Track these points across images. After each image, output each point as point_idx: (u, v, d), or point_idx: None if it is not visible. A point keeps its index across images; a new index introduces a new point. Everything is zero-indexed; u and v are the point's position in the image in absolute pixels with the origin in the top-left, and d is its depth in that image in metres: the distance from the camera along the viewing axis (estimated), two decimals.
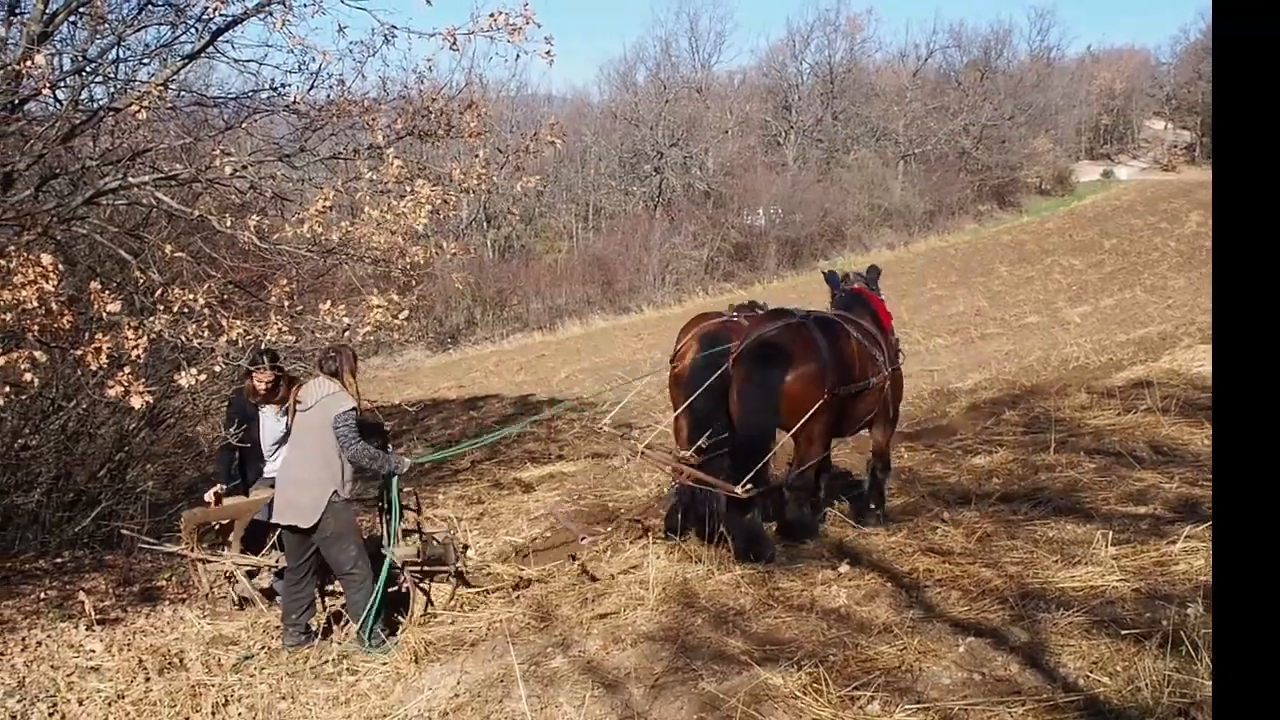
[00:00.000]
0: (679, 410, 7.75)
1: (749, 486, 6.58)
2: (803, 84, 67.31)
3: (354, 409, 6.23)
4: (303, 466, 6.25)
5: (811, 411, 6.78)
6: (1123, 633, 4.64)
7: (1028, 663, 4.54)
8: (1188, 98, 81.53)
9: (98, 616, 6.74)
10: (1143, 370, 13.59)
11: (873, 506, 7.80)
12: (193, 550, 7.09)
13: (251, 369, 7.29)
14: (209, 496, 7.16)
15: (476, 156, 8.21)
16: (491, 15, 7.62)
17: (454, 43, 7.77)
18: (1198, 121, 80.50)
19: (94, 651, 6.20)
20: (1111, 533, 6.05)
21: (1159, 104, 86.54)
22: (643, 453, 7.84)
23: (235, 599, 7.22)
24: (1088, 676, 4.30)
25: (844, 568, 6.46)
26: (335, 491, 6.18)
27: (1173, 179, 69.80)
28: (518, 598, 7.11)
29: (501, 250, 54.37)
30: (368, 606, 6.18)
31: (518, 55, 7.88)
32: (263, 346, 7.04)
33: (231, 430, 7.39)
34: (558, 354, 32.85)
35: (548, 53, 7.96)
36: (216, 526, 7.45)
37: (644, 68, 66.59)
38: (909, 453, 10.41)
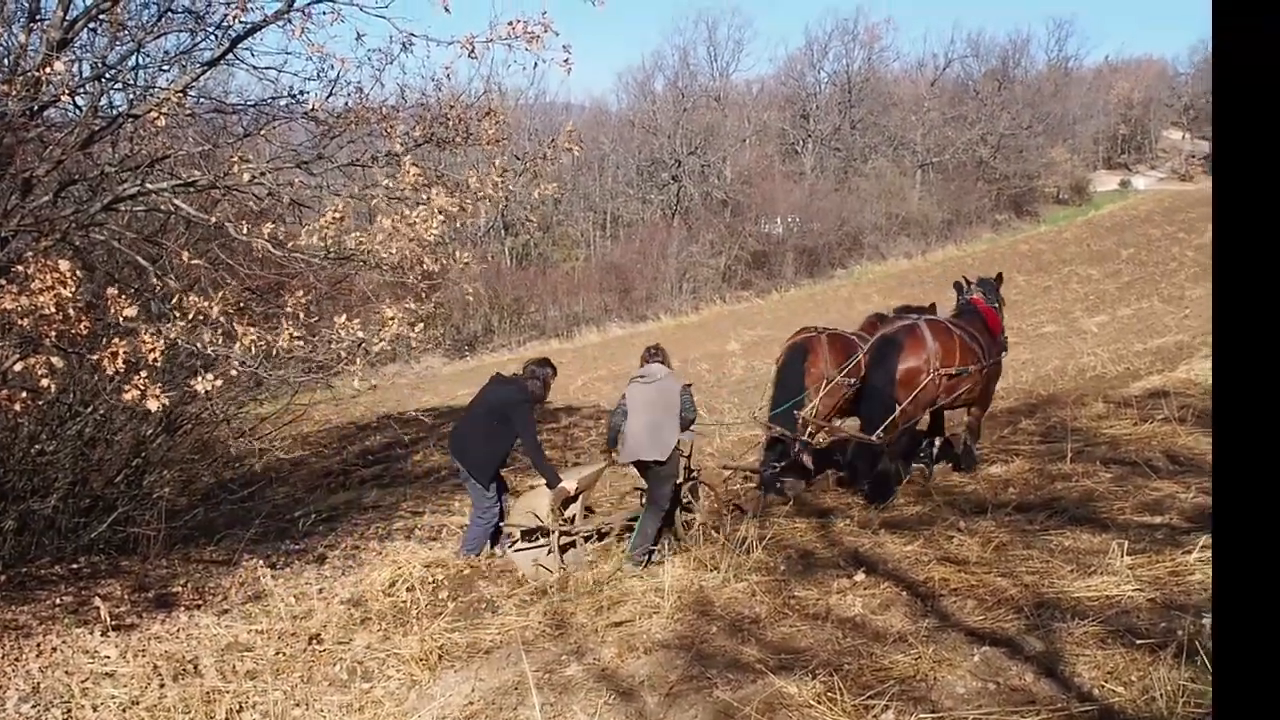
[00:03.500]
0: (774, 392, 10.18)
1: (880, 435, 8.95)
2: (820, 93, 67.32)
3: (690, 384, 8.28)
4: (657, 423, 7.94)
5: (920, 386, 9.02)
6: (1138, 643, 4.62)
7: (1043, 672, 4.52)
8: (1205, 108, 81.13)
9: (113, 622, 6.76)
10: (1159, 380, 13.52)
11: (964, 463, 9.88)
12: (557, 525, 8.06)
13: (536, 374, 8.52)
14: (570, 486, 8.17)
15: (494, 164, 8.21)
16: (510, 23, 7.60)
17: (472, 50, 7.76)
18: None
19: (109, 657, 6.22)
20: (1127, 542, 6.02)
21: (1177, 114, 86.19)
22: (767, 424, 10.11)
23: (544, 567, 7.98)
24: (1103, 686, 4.28)
25: (859, 576, 6.44)
26: (679, 441, 8.01)
27: (1190, 189, 69.37)
28: (536, 596, 7.14)
29: (519, 258, 54.45)
30: (655, 532, 7.95)
31: (535, 63, 7.87)
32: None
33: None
34: (575, 362, 32.74)
35: (566, 61, 7.95)
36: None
37: (662, 76, 66.74)
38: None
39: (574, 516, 8.38)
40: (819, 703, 4.51)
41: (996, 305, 10.54)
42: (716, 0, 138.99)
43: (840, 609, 5.88)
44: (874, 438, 8.96)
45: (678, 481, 8.24)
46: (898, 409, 9.00)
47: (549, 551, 8.01)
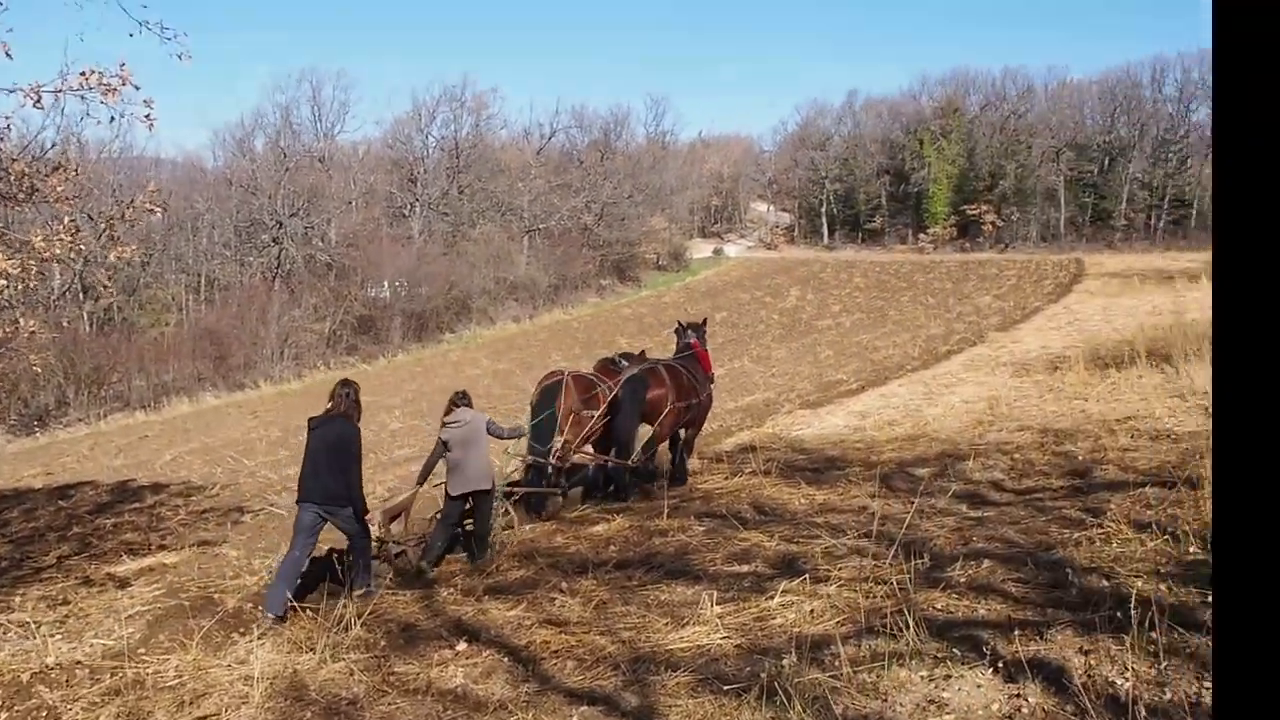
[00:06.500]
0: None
1: (637, 459, 11.57)
2: (428, 157, 67.60)
3: (490, 419, 9.67)
4: (479, 461, 9.46)
5: (663, 415, 11.56)
6: (725, 688, 4.81)
7: None
8: (786, 182, 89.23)
9: None
10: (749, 435, 14.48)
11: (680, 476, 12.09)
12: (388, 536, 9.49)
13: (350, 396, 8.72)
14: (377, 517, 9.29)
15: (62, 223, 7.52)
16: (83, 73, 7.03)
17: (38, 100, 7.10)
18: (795, 204, 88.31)
19: None
20: (716, 592, 6.31)
21: (762, 188, 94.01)
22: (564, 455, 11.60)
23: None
24: None
25: (461, 646, 6.33)
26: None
27: (775, 256, 75.99)
28: (109, 698, 6.41)
29: (101, 323, 50.31)
30: (487, 537, 9.64)
31: (112, 118, 7.30)
32: None
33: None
34: (163, 434, 30.54)
35: (148, 116, 7.44)
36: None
37: (263, 134, 64.59)
38: (527, 527, 10.46)
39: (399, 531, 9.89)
40: None
41: (706, 347, 13.23)
42: (320, 62, 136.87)
43: (441, 681, 5.74)
44: (631, 461, 11.46)
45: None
46: (650, 433, 11.60)
47: (396, 555, 9.54)
